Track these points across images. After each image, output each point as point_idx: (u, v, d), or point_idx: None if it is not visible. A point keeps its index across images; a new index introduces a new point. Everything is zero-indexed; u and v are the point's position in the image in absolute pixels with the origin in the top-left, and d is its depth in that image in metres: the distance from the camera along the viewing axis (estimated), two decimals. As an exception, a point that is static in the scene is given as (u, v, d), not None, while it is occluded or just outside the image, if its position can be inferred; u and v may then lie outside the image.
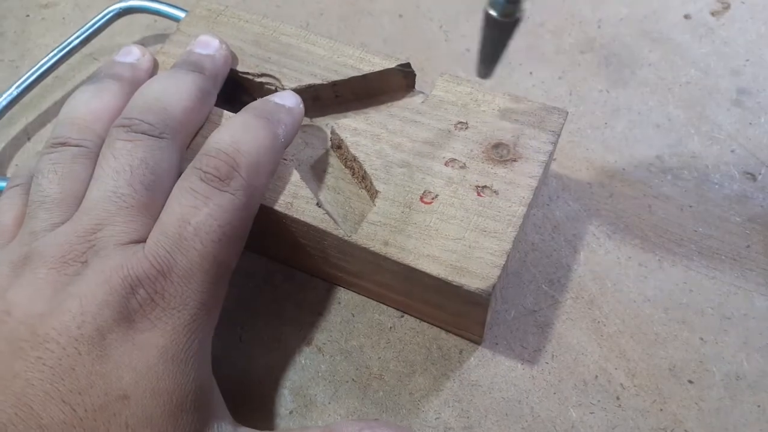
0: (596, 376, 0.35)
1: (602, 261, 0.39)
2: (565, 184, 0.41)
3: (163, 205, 0.31)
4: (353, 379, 0.36)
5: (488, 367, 0.36)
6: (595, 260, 0.39)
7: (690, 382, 0.35)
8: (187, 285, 0.28)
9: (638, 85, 0.45)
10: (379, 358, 0.36)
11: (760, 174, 0.41)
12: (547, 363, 0.36)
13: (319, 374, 0.36)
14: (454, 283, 0.31)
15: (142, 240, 0.30)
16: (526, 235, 0.40)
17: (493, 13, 0.29)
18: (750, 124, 0.43)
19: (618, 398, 0.35)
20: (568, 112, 0.36)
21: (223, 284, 0.31)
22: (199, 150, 0.33)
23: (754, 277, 0.38)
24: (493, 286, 0.31)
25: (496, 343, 0.36)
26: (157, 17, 0.48)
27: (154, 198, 0.31)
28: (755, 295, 0.37)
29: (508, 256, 0.32)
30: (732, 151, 0.42)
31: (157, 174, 0.31)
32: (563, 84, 0.46)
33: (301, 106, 0.36)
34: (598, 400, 0.35)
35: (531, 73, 0.47)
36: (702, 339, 0.36)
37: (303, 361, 0.36)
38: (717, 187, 0.41)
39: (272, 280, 0.39)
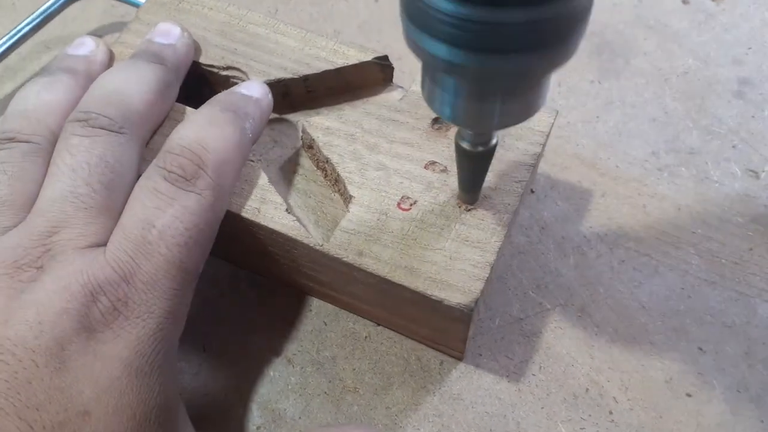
0: (587, 389, 0.34)
1: (593, 265, 0.38)
2: (553, 183, 0.40)
3: (123, 205, 0.30)
4: (325, 393, 0.35)
5: (471, 380, 0.35)
6: (585, 264, 0.38)
7: (688, 395, 0.34)
8: (151, 292, 0.28)
9: (632, 75, 0.45)
10: (354, 369, 0.35)
11: (763, 171, 0.41)
12: (534, 375, 0.35)
13: (289, 387, 0.35)
14: (434, 298, 0.30)
15: (102, 243, 0.29)
16: (512, 237, 0.39)
17: (465, 145, 0.28)
18: (753, 117, 0.43)
19: (611, 413, 0.34)
20: (557, 111, 0.35)
21: (189, 290, 0.30)
22: (159, 148, 0.32)
23: (757, 282, 0.37)
24: (476, 301, 0.30)
25: (480, 354, 0.35)
26: (114, 2, 0.47)
27: (113, 198, 0.30)
28: (758, 301, 0.36)
29: (492, 268, 0.30)
30: (733, 146, 0.42)
31: (117, 172, 0.30)
32: (552, 74, 0.44)
33: (270, 96, 0.35)
34: (590, 415, 0.34)
35: (518, 62, 0.45)
36: (701, 349, 0.35)
37: (271, 373, 0.35)
38: (717, 185, 0.40)
39: (238, 286, 0.38)
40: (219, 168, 0.30)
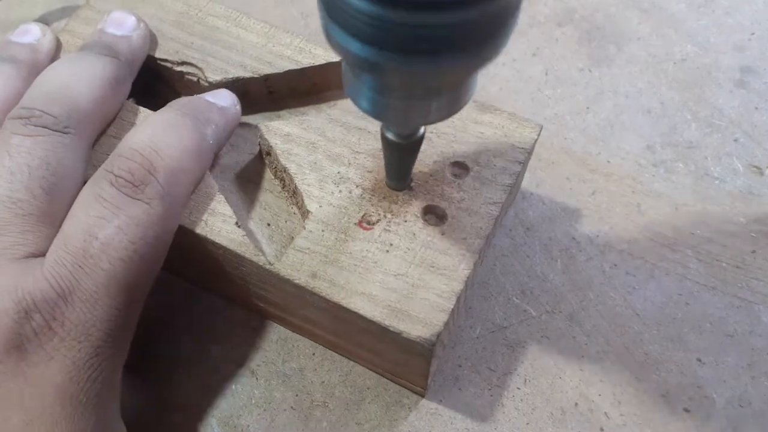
0: (576, 404, 0.34)
1: (583, 269, 0.37)
2: (540, 180, 0.40)
3: (65, 212, 0.29)
4: (292, 407, 0.34)
5: (450, 393, 0.34)
6: (574, 268, 0.37)
7: (686, 410, 0.34)
8: (90, 311, 0.27)
9: (625, 63, 0.44)
10: (323, 382, 0.35)
11: (767, 167, 0.40)
12: (518, 388, 0.34)
13: (253, 401, 0.34)
14: (391, 329, 0.29)
15: (41, 254, 0.28)
16: (495, 238, 0.38)
17: (390, 136, 0.28)
18: (756, 108, 0.42)
19: (602, 429, 0.33)
20: (542, 126, 0.34)
21: (134, 311, 0.29)
22: (107, 150, 0.32)
23: (760, 288, 0.36)
24: (438, 335, 0.29)
25: (459, 365, 0.35)
26: None
27: (55, 204, 0.29)
28: (761, 308, 0.36)
29: (459, 298, 0.30)
30: (735, 140, 0.41)
31: (60, 176, 0.29)
32: (538, 62, 0.44)
33: (238, 107, 0.34)
34: (579, 432, 0.34)
35: (501, 49, 0.45)
36: (700, 360, 0.35)
37: (234, 386, 0.35)
38: (717, 182, 0.40)
39: (196, 290, 0.38)
40: (172, 176, 0.29)
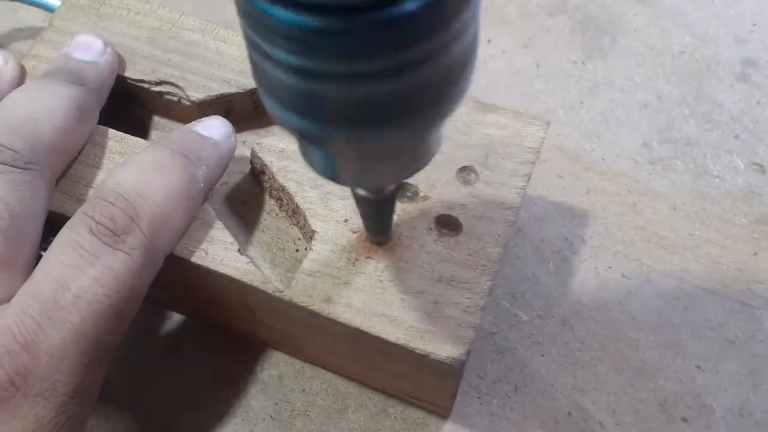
0: (569, 413, 0.34)
1: (577, 271, 0.37)
2: (531, 178, 0.38)
3: (26, 256, 0.28)
4: (271, 417, 0.34)
5: None
6: (567, 271, 0.37)
7: (684, 420, 0.33)
8: (57, 366, 0.26)
9: (621, 55, 0.44)
10: (304, 390, 0.34)
11: None
12: (509, 396, 0.34)
13: (230, 411, 0.34)
14: (418, 351, 0.28)
15: (1, 301, 0.27)
16: None
17: (361, 192, 0.27)
18: (758, 103, 0.42)
19: None
20: (549, 123, 0.33)
21: (102, 365, 0.28)
22: (79, 179, 0.31)
23: (762, 292, 0.36)
24: (468, 354, 0.28)
25: None
26: (19, 5, 0.44)
27: (14, 247, 0.28)
28: (763, 313, 0.36)
29: (483, 313, 0.29)
30: (736, 136, 0.41)
31: (19, 216, 0.28)
32: (529, 54, 0.44)
33: (233, 138, 0.32)
34: (572, 442, 0.34)
35: (489, 40, 0.45)
36: (699, 367, 0.35)
37: (210, 396, 0.34)
38: (717, 180, 0.40)
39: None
40: (156, 224, 0.28)
